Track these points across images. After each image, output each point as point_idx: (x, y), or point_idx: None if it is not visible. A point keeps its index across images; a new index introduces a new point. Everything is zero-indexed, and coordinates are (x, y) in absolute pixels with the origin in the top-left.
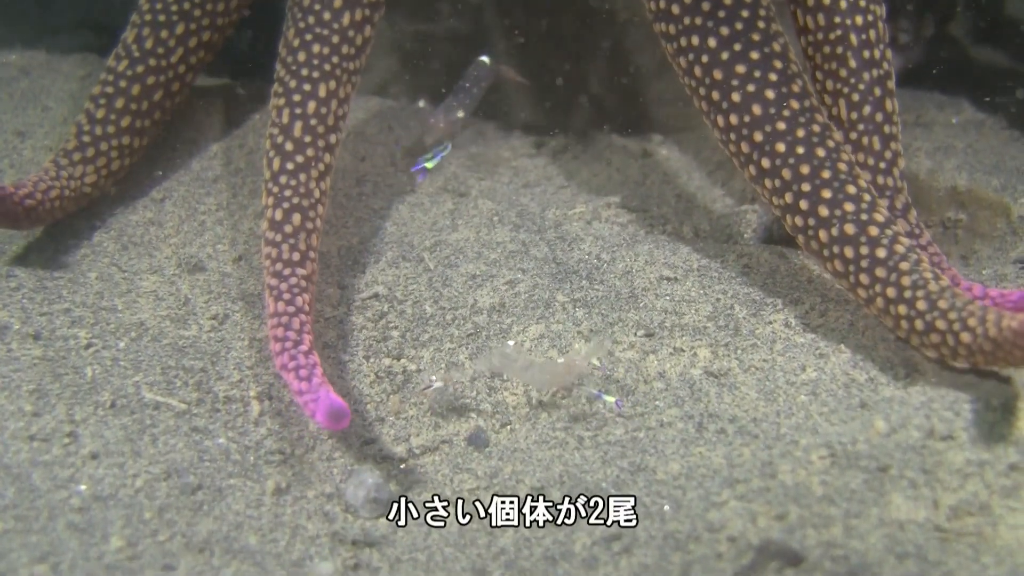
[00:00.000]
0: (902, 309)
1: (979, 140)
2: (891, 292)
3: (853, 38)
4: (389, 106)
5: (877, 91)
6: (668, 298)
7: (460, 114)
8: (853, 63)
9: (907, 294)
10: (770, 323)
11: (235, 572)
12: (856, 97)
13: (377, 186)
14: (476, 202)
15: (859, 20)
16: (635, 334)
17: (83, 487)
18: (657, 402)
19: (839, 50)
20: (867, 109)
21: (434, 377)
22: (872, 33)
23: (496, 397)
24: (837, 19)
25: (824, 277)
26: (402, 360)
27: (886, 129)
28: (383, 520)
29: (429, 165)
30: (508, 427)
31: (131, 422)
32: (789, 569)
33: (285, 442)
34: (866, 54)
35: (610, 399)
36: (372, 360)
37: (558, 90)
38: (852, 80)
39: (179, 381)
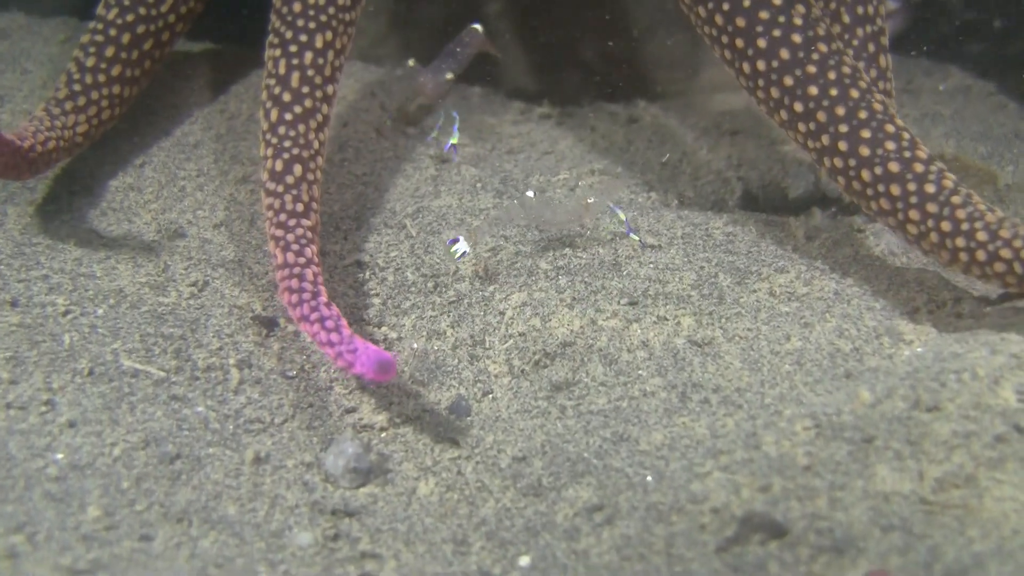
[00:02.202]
0: (960, 241)
1: (966, 107)
2: (946, 226)
3: None
4: (372, 71)
5: (871, 47)
6: (652, 266)
7: (449, 76)
8: (847, 18)
9: (964, 226)
10: (754, 292)
11: (213, 542)
12: (850, 53)
13: (359, 152)
14: (459, 168)
15: None
16: (618, 302)
17: (60, 456)
18: (640, 371)
19: (832, 5)
20: (861, 65)
21: (415, 344)
22: None
23: (478, 365)
24: None
25: (810, 248)
26: (383, 328)
27: (880, 85)
28: (363, 490)
29: (455, 140)
30: (490, 396)
31: (109, 390)
32: (773, 541)
33: (265, 411)
34: (860, 10)
35: (635, 237)
36: (353, 328)
37: (544, 55)
38: (846, 36)
39: (158, 349)
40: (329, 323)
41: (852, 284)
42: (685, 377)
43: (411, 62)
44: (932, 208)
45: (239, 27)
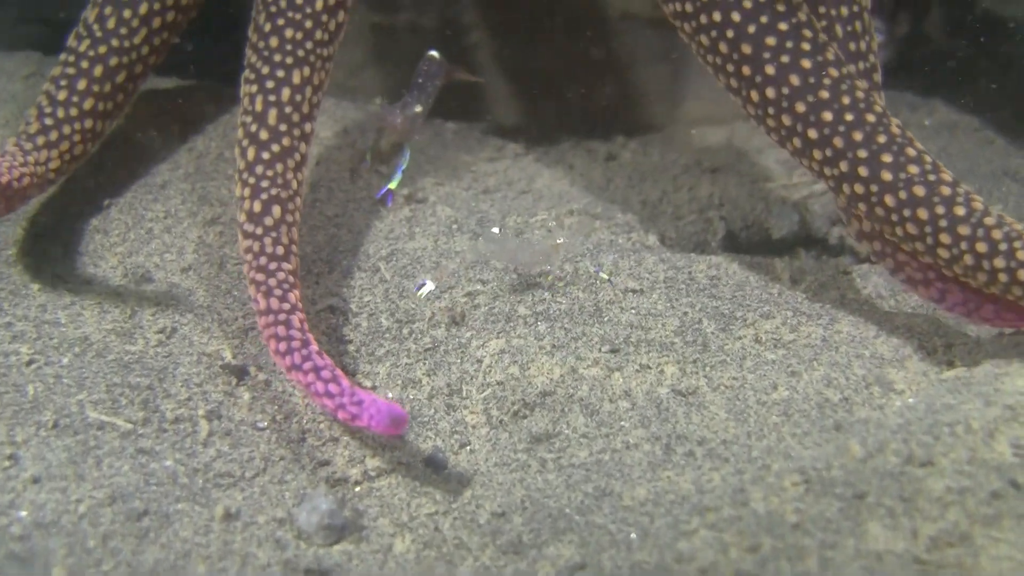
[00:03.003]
0: (999, 262)
1: (952, 143)
2: (982, 247)
3: (838, 29)
4: (344, 107)
5: (864, 84)
6: (634, 311)
7: (418, 109)
8: (840, 53)
9: (1002, 246)
10: (740, 338)
11: None
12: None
13: (331, 192)
14: (434, 209)
15: (844, 11)
16: (599, 349)
17: (24, 513)
18: (623, 422)
19: None
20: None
21: (390, 394)
22: (858, 24)
23: (455, 416)
24: (822, 9)
25: (796, 291)
26: (357, 376)
27: None
28: (337, 547)
29: (393, 185)
30: (468, 448)
31: (74, 443)
32: None
33: (235, 464)
34: (852, 46)
35: (604, 276)
36: None
37: (522, 88)
38: None
39: (124, 399)
40: (325, 373)
41: (840, 330)
42: (669, 428)
43: (378, 100)
44: (964, 230)
45: (207, 61)
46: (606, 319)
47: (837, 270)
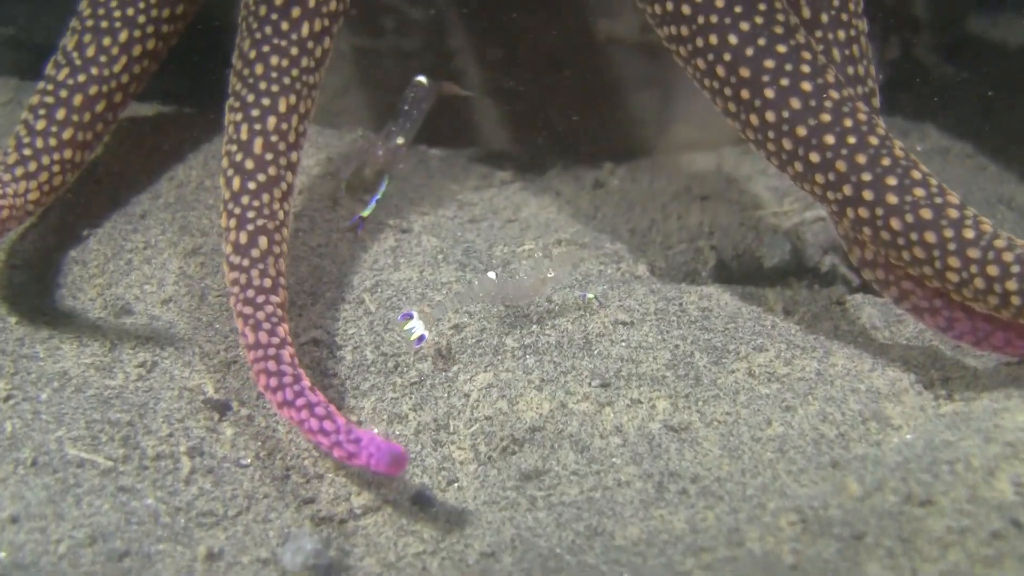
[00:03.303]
0: (1011, 285)
1: (946, 169)
2: (993, 270)
3: (836, 53)
4: (327, 134)
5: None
6: (624, 344)
7: (400, 140)
8: (840, 75)
9: (1015, 269)
10: (733, 372)
11: None
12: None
13: (314, 221)
14: (420, 238)
15: (841, 35)
16: (589, 384)
17: (2, 554)
18: (614, 459)
19: None
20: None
21: (375, 429)
22: (855, 48)
23: (442, 452)
24: (819, 33)
25: (789, 323)
26: (342, 411)
27: None
28: None
29: (366, 214)
30: (455, 485)
31: (54, 481)
32: None
33: (218, 502)
34: (850, 70)
35: (591, 296)
36: None
37: (508, 113)
38: None
39: (104, 436)
40: (319, 410)
41: (835, 363)
42: (662, 465)
43: (360, 132)
44: (974, 253)
45: (188, 86)
46: (596, 352)
47: (830, 300)
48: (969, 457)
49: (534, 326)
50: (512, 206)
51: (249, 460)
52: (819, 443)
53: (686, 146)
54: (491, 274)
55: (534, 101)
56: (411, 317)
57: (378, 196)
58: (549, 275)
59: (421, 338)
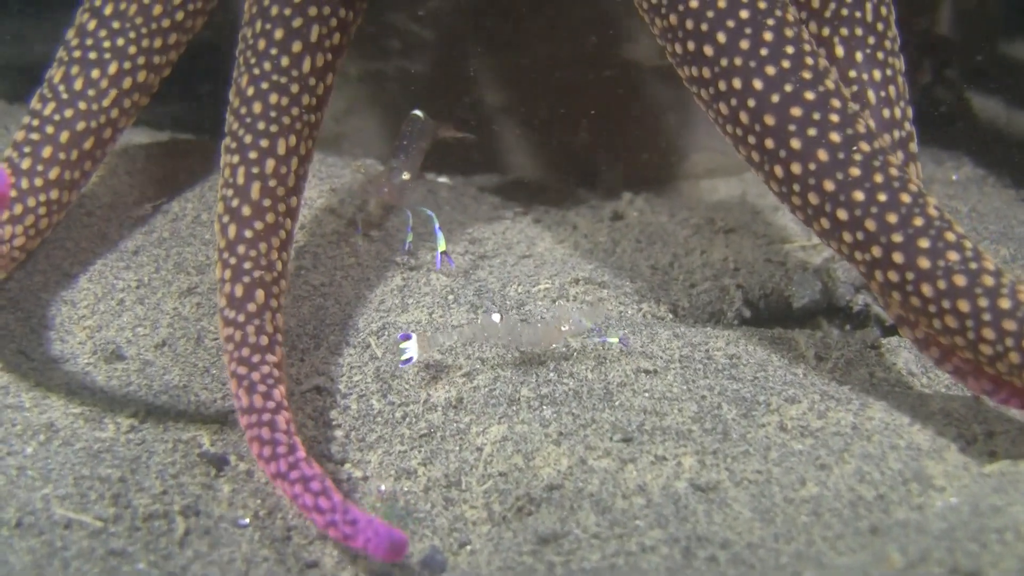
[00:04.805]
0: None
1: (982, 201)
2: None
3: (871, 95)
4: (329, 163)
5: (900, 155)
6: (647, 395)
7: (405, 175)
8: (872, 123)
9: None
10: (763, 426)
11: None
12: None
13: (317, 259)
14: (428, 277)
15: (877, 75)
16: (611, 439)
17: None
18: (638, 522)
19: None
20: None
21: (383, 486)
22: (892, 89)
23: (454, 511)
24: (853, 73)
25: (821, 371)
26: (347, 465)
27: None
28: None
29: (442, 247)
30: (467, 547)
31: (39, 544)
32: None
33: (215, 567)
34: (886, 113)
35: (613, 339)
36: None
37: (521, 142)
38: None
39: (94, 494)
40: (315, 485)
41: (872, 416)
42: (689, 529)
43: (360, 168)
44: (1010, 326)
45: (183, 109)
46: (617, 403)
47: (864, 344)
48: (1019, 525)
49: (551, 374)
50: (526, 240)
51: (248, 520)
52: (857, 506)
53: (708, 172)
54: (495, 316)
55: (549, 127)
56: (409, 339)
57: (438, 227)
58: (564, 328)
59: (409, 360)
